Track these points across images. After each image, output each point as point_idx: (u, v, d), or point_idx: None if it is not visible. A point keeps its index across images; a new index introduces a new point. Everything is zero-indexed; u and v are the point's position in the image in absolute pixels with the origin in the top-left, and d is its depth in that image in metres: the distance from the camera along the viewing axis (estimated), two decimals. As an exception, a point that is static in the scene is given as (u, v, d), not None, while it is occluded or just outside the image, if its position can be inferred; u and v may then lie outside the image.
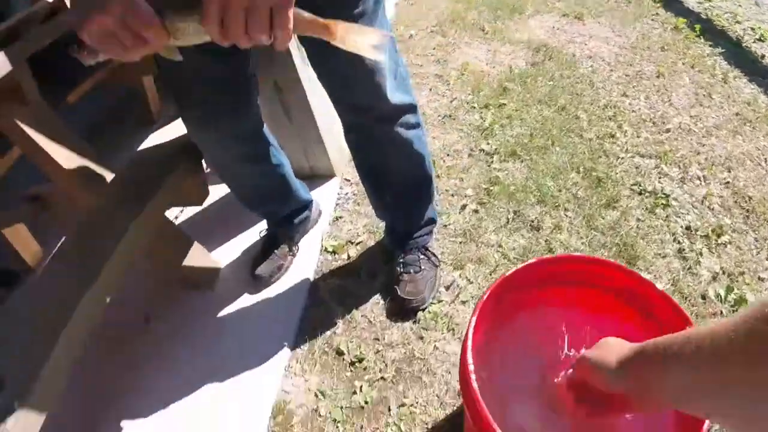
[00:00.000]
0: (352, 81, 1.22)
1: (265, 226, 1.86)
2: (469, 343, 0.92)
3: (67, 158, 1.51)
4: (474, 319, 0.95)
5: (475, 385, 0.87)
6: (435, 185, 1.58)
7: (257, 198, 1.70)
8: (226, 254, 1.92)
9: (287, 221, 1.79)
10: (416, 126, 1.39)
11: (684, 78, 2.48)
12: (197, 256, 1.80)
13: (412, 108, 1.36)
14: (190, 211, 2.10)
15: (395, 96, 1.27)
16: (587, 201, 1.87)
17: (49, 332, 1.24)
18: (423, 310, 1.59)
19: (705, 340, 0.49)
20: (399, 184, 1.51)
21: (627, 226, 1.77)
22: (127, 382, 1.61)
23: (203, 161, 1.68)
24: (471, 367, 0.89)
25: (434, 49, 2.94)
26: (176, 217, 2.08)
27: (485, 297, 0.98)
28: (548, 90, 2.45)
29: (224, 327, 1.71)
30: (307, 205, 1.82)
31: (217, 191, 2.05)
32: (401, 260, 1.64)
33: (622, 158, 2.04)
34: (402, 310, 1.59)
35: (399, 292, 1.58)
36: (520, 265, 1.03)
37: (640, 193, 1.90)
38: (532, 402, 0.99)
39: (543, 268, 1.06)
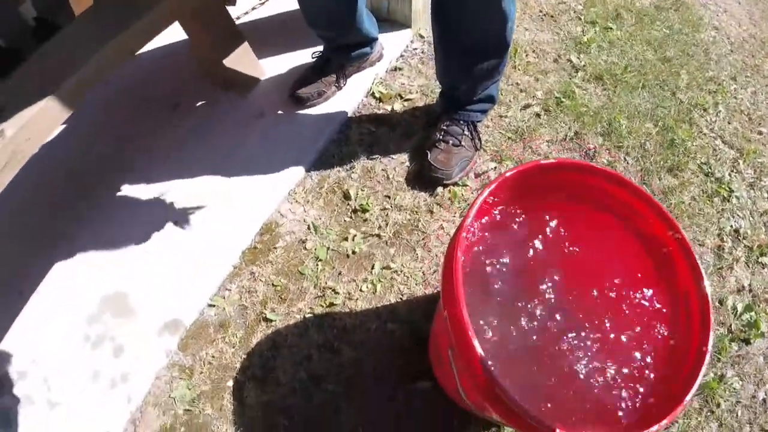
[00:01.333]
0: None
1: (320, 50, 1.73)
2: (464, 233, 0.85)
3: None
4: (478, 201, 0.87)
5: (459, 265, 0.81)
6: (506, 62, 1.43)
7: (323, 17, 1.56)
8: (271, 66, 1.82)
9: (345, 51, 1.66)
10: None
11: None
12: (243, 58, 1.70)
13: None
14: (255, 15, 1.97)
15: None
16: (652, 156, 1.73)
17: (59, 73, 1.20)
18: (445, 185, 1.51)
19: None
20: (473, 43, 1.35)
21: (679, 199, 1.65)
22: (142, 161, 1.61)
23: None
24: (460, 253, 0.83)
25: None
26: (238, 18, 1.96)
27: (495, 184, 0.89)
28: (661, 36, 2.22)
29: (246, 135, 1.66)
30: (370, 42, 1.69)
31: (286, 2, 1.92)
32: (444, 127, 1.53)
33: (705, 134, 1.87)
34: (424, 177, 1.51)
35: (429, 157, 1.50)
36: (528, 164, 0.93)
37: (707, 174, 1.75)
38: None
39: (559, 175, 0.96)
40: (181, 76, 1.81)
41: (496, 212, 0.97)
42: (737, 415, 1.29)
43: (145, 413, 1.33)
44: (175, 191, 1.57)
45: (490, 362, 0.76)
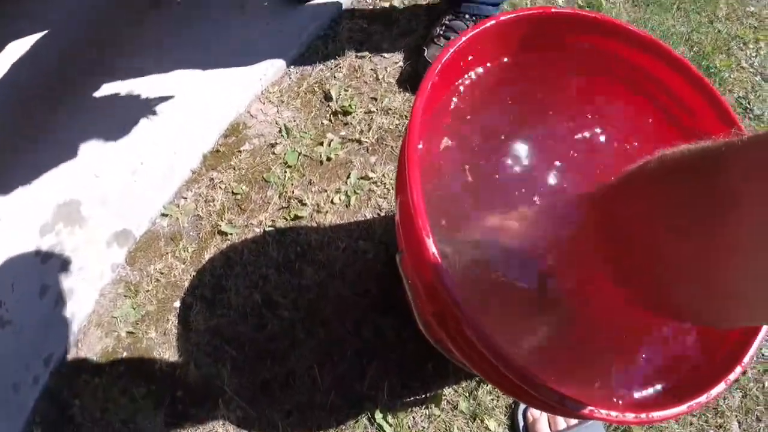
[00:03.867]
0: None
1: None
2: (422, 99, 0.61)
3: None
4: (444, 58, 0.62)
5: (416, 135, 0.57)
6: None
7: None
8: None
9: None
10: None
11: None
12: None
13: None
14: None
15: None
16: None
17: None
18: None
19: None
20: None
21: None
22: (113, 56, 1.42)
23: None
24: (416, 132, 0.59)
25: None
26: None
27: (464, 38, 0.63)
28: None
29: (224, 28, 1.44)
30: None
31: None
32: (446, 22, 1.27)
33: (743, 68, 1.58)
34: (419, 76, 1.26)
35: (425, 53, 1.24)
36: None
37: (745, 110, 1.48)
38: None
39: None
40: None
41: (476, 75, 0.71)
42: (764, 386, 1.05)
43: (87, 334, 1.18)
44: (140, 88, 1.37)
45: (446, 271, 0.52)
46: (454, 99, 0.69)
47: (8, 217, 1.30)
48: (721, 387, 0.53)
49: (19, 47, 1.50)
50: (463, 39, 0.62)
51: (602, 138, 0.70)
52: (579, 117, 0.71)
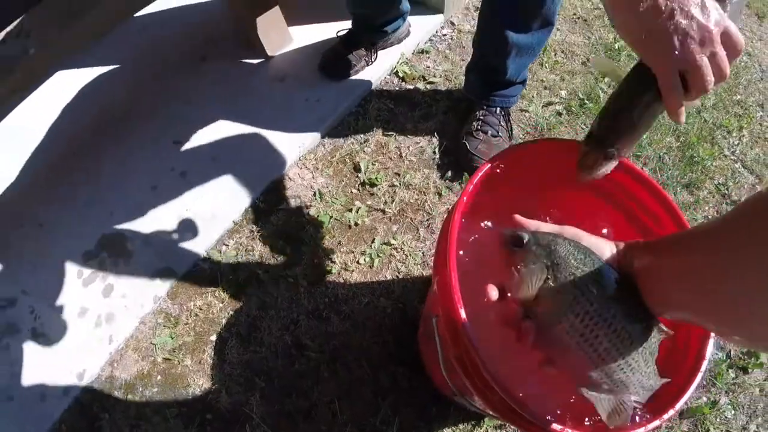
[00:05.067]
0: None
1: (345, 28, 1.71)
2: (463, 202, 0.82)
3: None
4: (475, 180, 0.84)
5: (457, 225, 0.78)
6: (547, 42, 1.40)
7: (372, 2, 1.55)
8: (297, 34, 1.80)
9: (377, 27, 1.64)
10: None
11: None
12: (273, 22, 1.69)
13: None
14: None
15: None
16: (669, 170, 1.69)
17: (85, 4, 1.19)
18: None
19: (697, 228, 0.49)
20: (524, 10, 1.30)
21: (692, 216, 1.62)
22: (161, 107, 1.63)
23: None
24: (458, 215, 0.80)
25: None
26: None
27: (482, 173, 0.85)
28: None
29: (266, 96, 1.65)
30: (402, 16, 1.66)
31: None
32: (481, 117, 1.50)
33: (726, 156, 1.84)
34: (463, 164, 1.50)
35: (469, 147, 1.47)
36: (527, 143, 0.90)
37: (723, 195, 1.72)
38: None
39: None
40: (211, 33, 1.81)
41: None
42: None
43: (124, 356, 1.32)
44: (190, 141, 1.56)
45: (474, 330, 0.73)
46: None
47: (54, 241, 1.45)
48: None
49: (85, 86, 1.67)
50: (497, 160, 0.85)
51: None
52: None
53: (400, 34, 1.73)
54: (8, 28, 1.08)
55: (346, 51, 1.65)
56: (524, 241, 0.61)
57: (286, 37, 1.77)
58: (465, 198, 0.81)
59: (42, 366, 1.31)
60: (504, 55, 1.38)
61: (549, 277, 0.60)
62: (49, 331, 1.36)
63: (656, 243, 0.57)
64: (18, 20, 1.09)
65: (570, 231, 0.65)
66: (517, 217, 0.68)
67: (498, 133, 1.49)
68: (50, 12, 1.18)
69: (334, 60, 1.65)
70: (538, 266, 0.60)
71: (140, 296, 1.38)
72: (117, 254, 1.44)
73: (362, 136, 1.55)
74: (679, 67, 0.61)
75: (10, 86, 1.17)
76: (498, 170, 0.88)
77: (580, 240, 0.64)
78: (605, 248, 0.62)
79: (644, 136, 1.72)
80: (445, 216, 0.92)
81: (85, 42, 1.23)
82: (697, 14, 0.59)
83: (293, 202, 1.42)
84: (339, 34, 1.72)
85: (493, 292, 0.64)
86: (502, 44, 1.35)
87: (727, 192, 1.71)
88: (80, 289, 1.41)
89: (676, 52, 0.60)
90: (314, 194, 1.43)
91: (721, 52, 0.61)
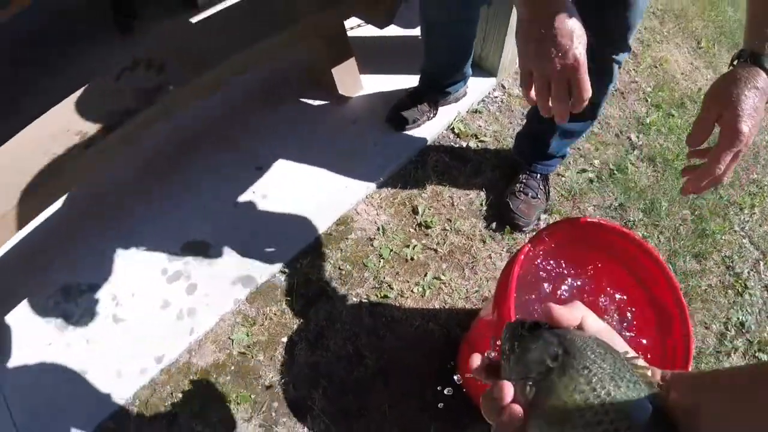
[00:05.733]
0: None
1: (412, 85, 1.98)
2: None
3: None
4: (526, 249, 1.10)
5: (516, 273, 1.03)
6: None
7: (445, 57, 1.82)
8: (368, 82, 2.08)
9: (441, 86, 1.91)
10: (619, 64, 1.44)
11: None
12: (348, 70, 1.97)
13: (629, 50, 1.40)
14: (363, 31, 2.23)
15: (631, 36, 1.34)
16: (682, 240, 1.94)
17: (221, 51, 1.46)
18: (523, 232, 1.75)
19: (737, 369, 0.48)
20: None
21: (697, 283, 1.85)
22: (246, 139, 1.89)
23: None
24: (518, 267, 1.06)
25: (645, 29, 2.86)
26: (351, 28, 2.21)
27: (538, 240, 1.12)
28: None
29: (339, 135, 1.92)
30: (466, 79, 1.93)
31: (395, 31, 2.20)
32: (524, 180, 1.77)
33: (735, 231, 2.06)
34: (506, 219, 1.76)
35: (512, 206, 1.74)
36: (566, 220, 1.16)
37: (727, 267, 1.94)
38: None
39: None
40: (288, 77, 2.07)
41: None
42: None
43: (202, 346, 1.56)
44: (272, 169, 1.82)
45: None
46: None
47: (141, 243, 1.68)
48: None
49: (184, 115, 1.93)
50: (543, 234, 1.11)
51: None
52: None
53: (459, 95, 2.00)
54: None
55: (412, 104, 1.92)
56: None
57: (359, 85, 2.05)
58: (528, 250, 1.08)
59: (120, 347, 1.53)
60: (551, 133, 1.66)
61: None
62: (130, 318, 1.58)
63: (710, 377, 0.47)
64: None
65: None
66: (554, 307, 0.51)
67: (537, 195, 1.75)
68: (185, 59, 1.45)
69: (400, 112, 1.92)
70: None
71: (221, 297, 1.62)
72: (200, 258, 1.68)
73: (420, 182, 1.81)
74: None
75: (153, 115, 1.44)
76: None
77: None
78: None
79: (663, 207, 1.97)
80: (507, 260, 1.16)
81: (213, 90, 1.50)
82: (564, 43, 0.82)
83: (360, 234, 1.68)
84: (409, 90, 1.99)
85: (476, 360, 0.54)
86: (551, 126, 1.62)
87: (731, 264, 1.94)
88: (164, 285, 1.65)
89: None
90: (378, 229, 1.69)
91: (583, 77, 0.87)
